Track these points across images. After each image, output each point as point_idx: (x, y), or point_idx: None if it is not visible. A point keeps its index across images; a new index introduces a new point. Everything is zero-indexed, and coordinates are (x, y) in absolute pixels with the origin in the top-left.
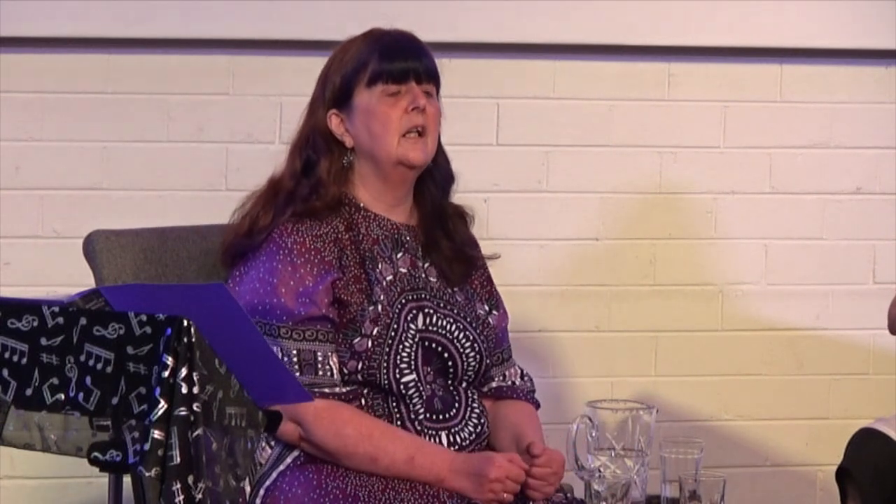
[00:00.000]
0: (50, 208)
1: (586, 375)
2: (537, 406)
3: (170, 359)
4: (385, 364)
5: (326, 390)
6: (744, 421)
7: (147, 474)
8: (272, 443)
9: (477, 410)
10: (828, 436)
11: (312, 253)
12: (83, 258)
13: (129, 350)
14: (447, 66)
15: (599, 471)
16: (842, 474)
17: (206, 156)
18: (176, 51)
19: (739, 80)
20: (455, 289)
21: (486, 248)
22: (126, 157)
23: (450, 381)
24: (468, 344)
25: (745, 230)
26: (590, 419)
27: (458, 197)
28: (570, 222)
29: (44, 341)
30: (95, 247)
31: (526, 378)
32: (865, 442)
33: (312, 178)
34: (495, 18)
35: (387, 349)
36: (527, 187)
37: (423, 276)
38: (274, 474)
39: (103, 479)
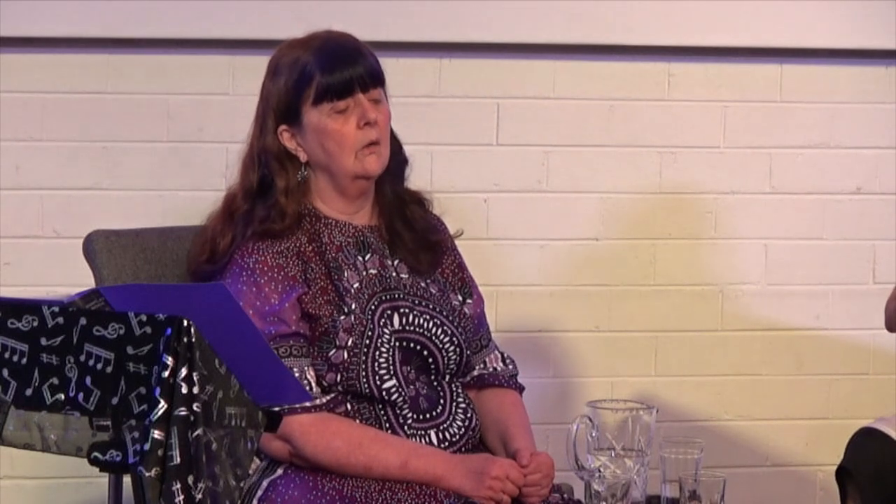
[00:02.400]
0: (50, 208)
1: (586, 375)
2: (521, 390)
3: (170, 359)
4: (364, 373)
5: (308, 404)
6: (744, 421)
7: (147, 474)
8: (261, 455)
9: (463, 404)
10: (828, 436)
11: (275, 270)
12: (83, 258)
13: (129, 350)
14: (447, 66)
15: (599, 471)
16: (842, 474)
17: (206, 156)
18: (176, 51)
19: (739, 80)
20: (428, 280)
21: (485, 248)
22: (126, 157)
23: (432, 377)
24: (446, 339)
25: (745, 230)
26: (590, 419)
27: (457, 197)
28: (570, 222)
29: (44, 341)
30: (95, 247)
31: (508, 361)
32: (865, 442)
33: (269, 199)
34: (495, 18)
35: (364, 358)
36: (527, 187)
37: (394, 273)
38: (265, 483)
39: (103, 479)
